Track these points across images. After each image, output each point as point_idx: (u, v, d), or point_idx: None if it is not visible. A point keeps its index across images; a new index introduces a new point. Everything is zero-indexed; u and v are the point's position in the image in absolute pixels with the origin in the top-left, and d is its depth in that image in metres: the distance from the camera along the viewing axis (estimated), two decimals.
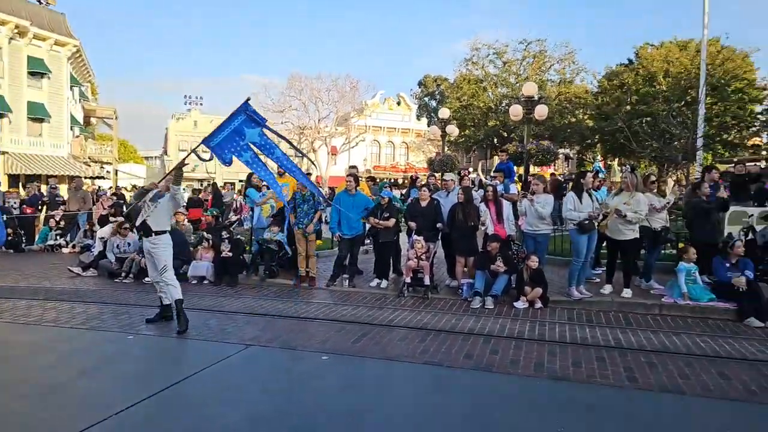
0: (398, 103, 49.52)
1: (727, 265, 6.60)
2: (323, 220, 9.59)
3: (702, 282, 6.83)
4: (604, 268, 7.73)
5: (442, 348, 5.06)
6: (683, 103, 26.05)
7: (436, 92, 52.87)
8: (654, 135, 23.79)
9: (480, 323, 5.99)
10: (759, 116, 30.30)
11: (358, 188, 8.38)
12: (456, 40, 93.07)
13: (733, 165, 21.27)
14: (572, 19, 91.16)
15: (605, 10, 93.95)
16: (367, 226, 8.53)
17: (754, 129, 30.65)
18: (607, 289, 7.14)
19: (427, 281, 7.44)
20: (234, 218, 12.25)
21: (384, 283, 8.03)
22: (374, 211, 8.02)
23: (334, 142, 40.61)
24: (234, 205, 12.98)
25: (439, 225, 7.76)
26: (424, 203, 7.89)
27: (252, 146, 5.80)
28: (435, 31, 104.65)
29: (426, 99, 55.30)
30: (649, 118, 26.05)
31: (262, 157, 6.02)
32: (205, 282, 8.62)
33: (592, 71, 33.95)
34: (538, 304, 6.76)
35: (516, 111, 14.20)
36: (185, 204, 11.62)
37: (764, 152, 34.37)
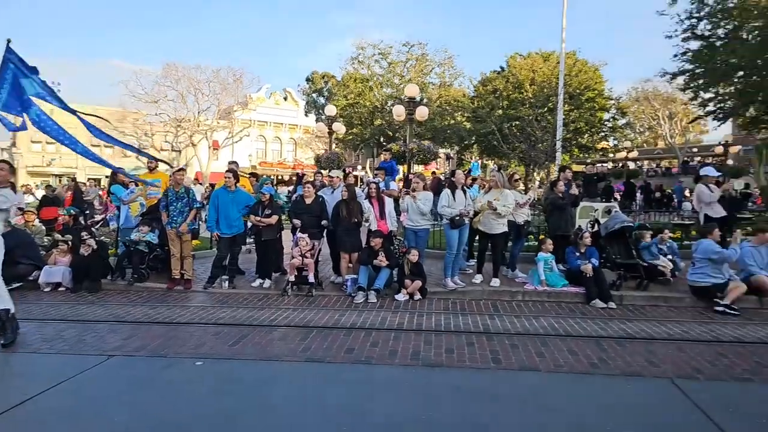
0: (285, 98, 48.53)
1: (577, 254, 7.45)
2: (200, 218, 9.05)
3: (557, 270, 7.63)
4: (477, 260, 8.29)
5: (324, 344, 5.06)
6: (546, 109, 28.91)
7: (324, 89, 52.73)
8: (522, 138, 26.10)
9: (362, 317, 6.10)
10: (606, 123, 34.72)
11: (238, 185, 8.06)
12: (343, 37, 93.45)
13: (585, 165, 24.16)
14: (452, 27, 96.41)
15: (481, 19, 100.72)
16: (249, 224, 8.26)
17: (602, 134, 35.05)
18: (478, 279, 7.68)
19: (311, 279, 7.40)
20: (98, 218, 11.13)
21: (267, 283, 7.83)
22: (255, 208, 7.78)
23: (216, 136, 38.61)
24: (98, 204, 11.79)
25: (324, 222, 7.76)
26: (308, 200, 7.83)
27: (35, 100, 4.98)
28: (321, 27, 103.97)
29: (314, 95, 54.88)
30: (517, 122, 28.49)
31: (49, 110, 5.19)
32: (62, 289, 7.71)
33: (469, 76, 36.33)
34: (418, 296, 7.07)
35: (399, 111, 14.69)
36: (23, 204, 10.21)
37: (611, 155, 39.49)
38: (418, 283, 7.10)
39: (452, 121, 33.56)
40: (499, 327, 5.76)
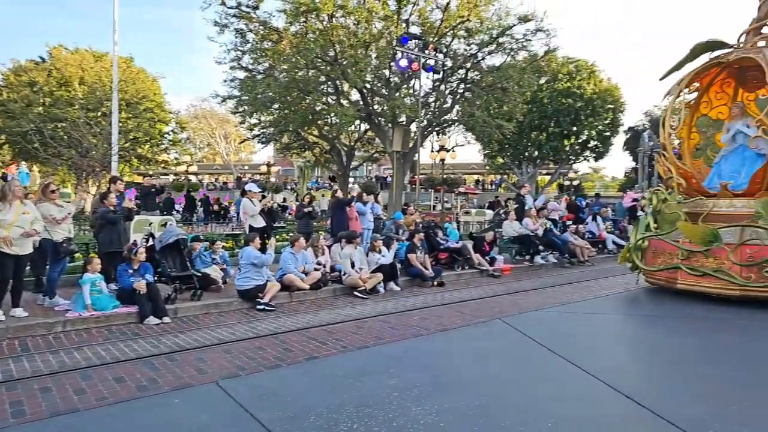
0: None
1: (131, 271, 7.00)
2: None
3: (109, 290, 6.96)
4: None
5: None
6: (100, 113, 26.43)
7: None
8: (71, 143, 22.96)
9: None
10: (167, 135, 34.93)
11: None
12: None
13: (144, 177, 23.46)
14: None
15: None
16: None
17: (163, 146, 35.06)
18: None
19: None
20: None
21: None
22: None
23: None
24: None
25: None
26: None
27: None
28: None
29: None
30: (64, 124, 24.88)
31: None
32: None
33: None
34: None
35: None
36: None
37: (172, 167, 39.98)
38: None
39: None
40: (27, 369, 4.69)
